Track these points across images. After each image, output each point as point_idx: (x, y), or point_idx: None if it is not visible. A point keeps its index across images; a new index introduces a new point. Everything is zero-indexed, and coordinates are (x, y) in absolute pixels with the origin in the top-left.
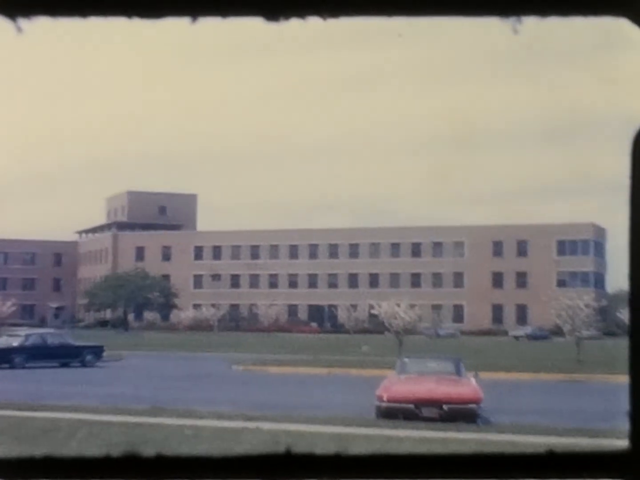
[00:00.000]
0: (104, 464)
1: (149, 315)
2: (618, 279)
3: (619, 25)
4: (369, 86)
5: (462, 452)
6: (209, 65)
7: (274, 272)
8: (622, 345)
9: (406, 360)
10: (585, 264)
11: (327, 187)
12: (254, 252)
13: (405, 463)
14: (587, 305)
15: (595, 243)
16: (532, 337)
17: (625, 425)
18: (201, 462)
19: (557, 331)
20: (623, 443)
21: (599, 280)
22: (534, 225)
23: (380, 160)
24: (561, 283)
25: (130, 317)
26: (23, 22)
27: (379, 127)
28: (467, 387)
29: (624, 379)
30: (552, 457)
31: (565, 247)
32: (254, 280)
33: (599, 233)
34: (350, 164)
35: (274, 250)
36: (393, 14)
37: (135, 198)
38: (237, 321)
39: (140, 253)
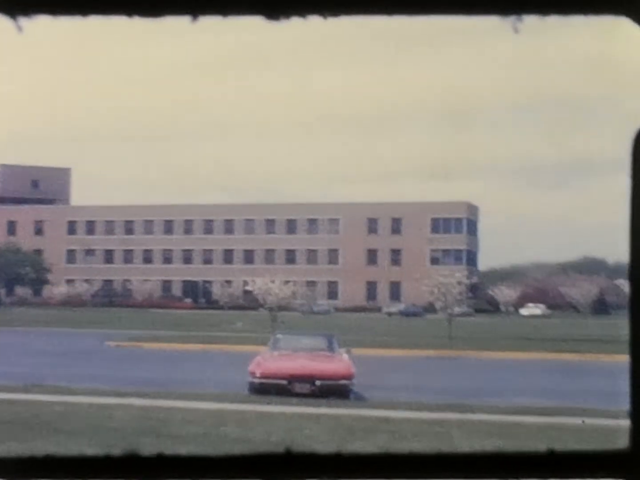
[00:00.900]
0: (104, 463)
1: (21, 291)
2: (489, 256)
3: (620, 23)
4: (263, 66)
5: (462, 452)
6: (103, 44)
7: (148, 248)
8: (491, 322)
9: (279, 336)
10: (458, 241)
11: (217, 166)
12: (128, 227)
13: (405, 463)
14: (459, 283)
15: (468, 221)
16: (405, 314)
17: (501, 400)
18: (201, 462)
19: (430, 308)
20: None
21: (471, 258)
22: (409, 203)
23: (272, 139)
24: (435, 260)
25: (1, 292)
26: (23, 20)
27: (272, 107)
28: (340, 363)
29: (493, 355)
30: (552, 457)
31: (439, 225)
32: (128, 256)
33: (472, 211)
34: (243, 142)
35: (148, 226)
36: (393, 13)
37: (7, 171)
38: (110, 297)
39: (11, 227)
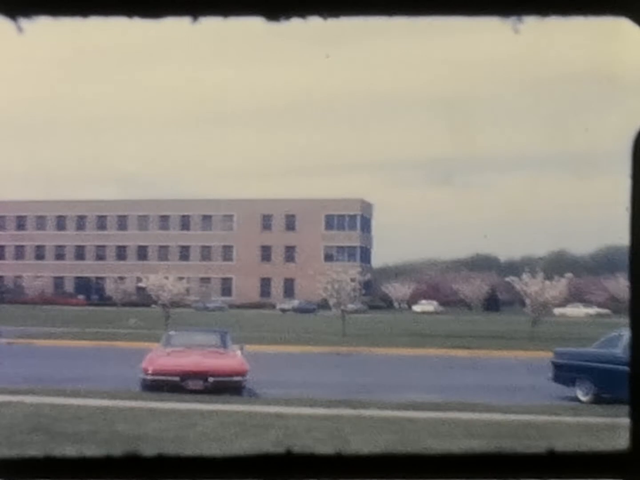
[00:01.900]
0: (105, 464)
1: None
2: (383, 253)
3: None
4: (155, 60)
5: (462, 453)
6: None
7: (40, 244)
8: (384, 319)
9: (172, 333)
10: (352, 238)
11: (107, 160)
12: (20, 222)
13: (405, 463)
14: (352, 279)
15: (362, 218)
16: (299, 310)
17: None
18: (202, 462)
19: (324, 304)
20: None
21: (365, 255)
22: (303, 199)
23: (165, 133)
24: (329, 257)
25: None
26: (23, 21)
27: (162, 101)
28: (233, 359)
29: (386, 351)
30: (552, 457)
31: (334, 222)
32: (20, 252)
33: (366, 208)
34: (133, 137)
35: (40, 222)
36: (394, 13)
37: None
38: (0, 293)
39: None
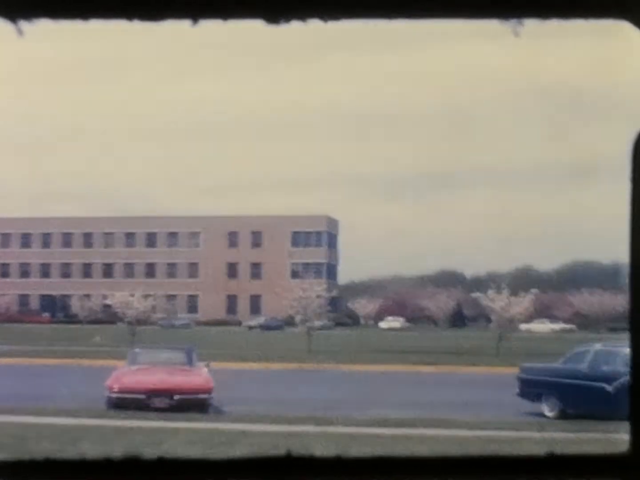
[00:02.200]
0: (105, 466)
1: None
2: (349, 270)
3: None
4: (115, 74)
5: (461, 455)
6: None
7: (4, 262)
8: (351, 335)
9: (138, 350)
10: (318, 255)
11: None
12: None
13: (405, 464)
14: (318, 296)
15: (328, 234)
16: (266, 327)
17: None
18: (202, 464)
19: (291, 321)
20: (345, 429)
21: (331, 271)
22: (269, 216)
23: (125, 148)
24: (295, 274)
25: None
26: (23, 24)
27: (122, 116)
28: (199, 377)
29: (352, 368)
30: (552, 459)
31: (300, 239)
32: None
33: (332, 225)
34: (93, 151)
35: (5, 239)
36: (394, 16)
37: None
38: None
39: None
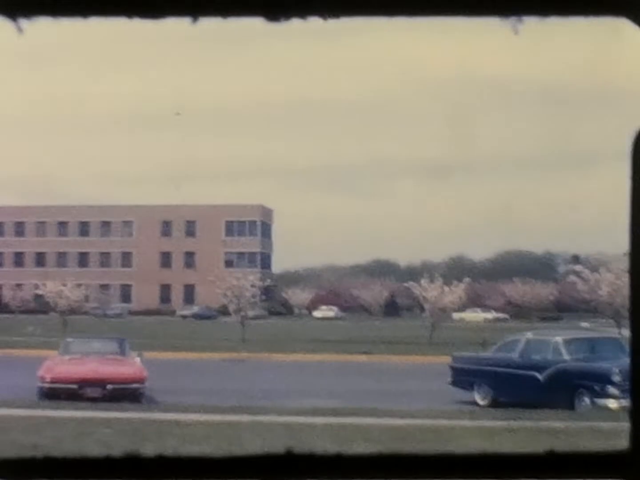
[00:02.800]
0: (105, 464)
1: None
2: (284, 259)
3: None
4: (48, 64)
5: (462, 453)
6: None
7: None
8: (285, 325)
9: (70, 340)
10: (252, 244)
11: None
12: None
13: (405, 463)
14: (252, 285)
15: (262, 224)
16: (200, 317)
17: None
18: (202, 462)
19: (224, 311)
20: (277, 418)
21: (265, 261)
22: (203, 205)
23: (57, 139)
24: (229, 263)
25: None
26: (23, 22)
27: (57, 105)
28: (131, 366)
29: (285, 357)
30: (552, 457)
31: (234, 228)
32: None
33: (267, 214)
34: (26, 141)
35: None
36: (394, 13)
37: None
38: None
39: None
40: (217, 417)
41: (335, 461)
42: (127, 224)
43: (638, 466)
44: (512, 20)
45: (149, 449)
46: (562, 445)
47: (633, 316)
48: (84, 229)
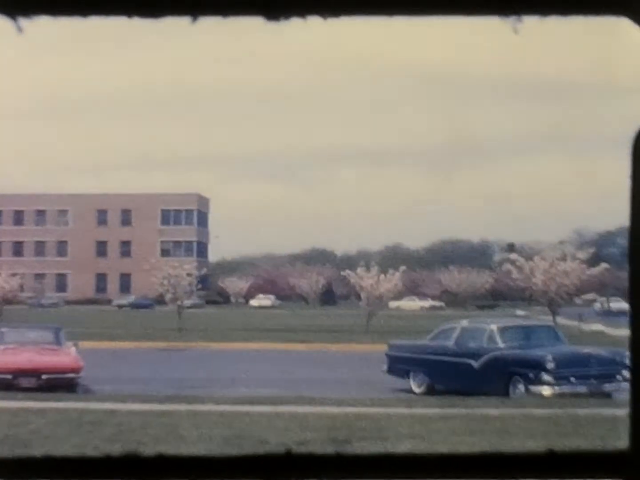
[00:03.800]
0: (104, 464)
1: None
2: (220, 248)
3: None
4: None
5: (462, 453)
6: None
7: None
8: (221, 314)
9: (4, 330)
10: (188, 233)
11: None
12: None
13: (405, 463)
14: (189, 274)
15: (199, 213)
16: (136, 306)
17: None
18: (201, 462)
19: (161, 300)
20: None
21: (201, 249)
22: (139, 194)
23: None
24: (165, 252)
25: None
26: (23, 21)
27: None
28: (67, 356)
29: (222, 346)
30: (552, 457)
31: (170, 217)
32: None
33: (203, 203)
34: None
35: None
36: (394, 13)
37: None
38: None
39: None
40: (153, 407)
41: (335, 461)
42: (63, 212)
43: (638, 466)
44: (512, 19)
45: (84, 439)
46: (494, 430)
47: (633, 315)
48: (18, 217)
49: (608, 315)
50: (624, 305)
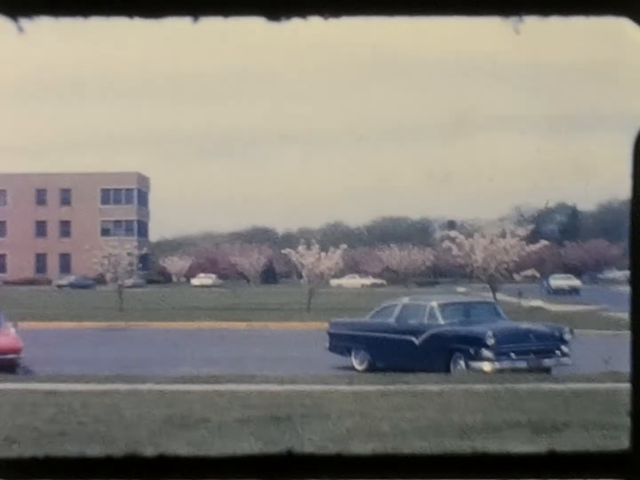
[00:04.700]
0: (105, 464)
1: None
2: (160, 227)
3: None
4: None
5: (462, 453)
6: None
7: None
8: (163, 293)
9: None
10: (129, 212)
11: None
12: None
13: (405, 463)
14: (129, 254)
15: (139, 192)
16: (76, 286)
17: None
18: (202, 462)
19: (101, 280)
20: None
21: (142, 229)
22: (78, 174)
23: None
24: (105, 232)
25: None
26: (24, 22)
27: None
28: (6, 337)
29: (163, 325)
30: (552, 457)
31: (110, 196)
32: None
33: (143, 182)
34: None
35: None
36: (394, 13)
37: None
38: None
39: None
40: (94, 387)
41: (335, 461)
42: (1, 192)
43: (638, 466)
44: (513, 19)
45: (25, 420)
46: (434, 406)
47: (633, 315)
48: None
49: (555, 293)
50: (567, 282)
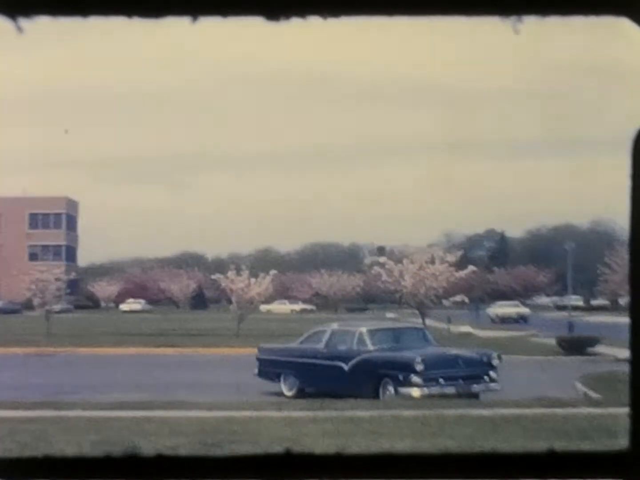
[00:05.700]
0: (104, 464)
1: None
2: (89, 252)
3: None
4: None
5: (461, 453)
6: None
7: None
8: (91, 319)
9: None
10: (57, 237)
11: None
12: None
13: (405, 463)
14: (57, 279)
15: (67, 216)
16: (3, 311)
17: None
18: (201, 462)
19: (29, 305)
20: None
21: (70, 254)
22: (6, 197)
23: None
24: (33, 256)
25: None
26: (23, 21)
27: None
28: None
29: (91, 351)
30: (552, 457)
31: (38, 220)
32: None
33: (72, 207)
34: None
35: None
36: (394, 13)
37: None
38: None
39: None
40: (21, 413)
41: (335, 461)
42: None
43: (638, 466)
44: (512, 19)
45: None
46: (363, 432)
47: (633, 315)
48: None
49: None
50: (515, 309)
